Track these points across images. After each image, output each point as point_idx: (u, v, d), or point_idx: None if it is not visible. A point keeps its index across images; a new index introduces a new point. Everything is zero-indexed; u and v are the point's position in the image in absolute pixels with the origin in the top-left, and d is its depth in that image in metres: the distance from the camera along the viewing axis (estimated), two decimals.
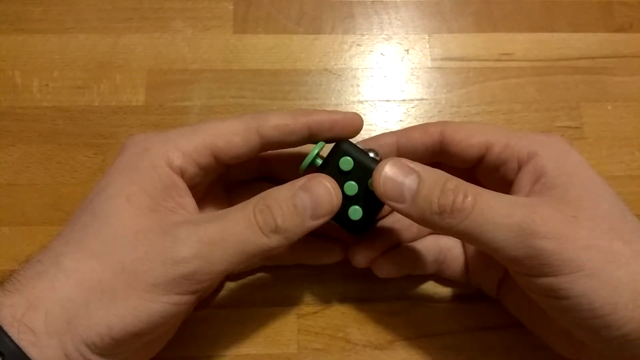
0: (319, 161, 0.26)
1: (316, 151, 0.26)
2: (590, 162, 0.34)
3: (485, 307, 0.31)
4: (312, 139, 0.26)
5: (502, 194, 0.24)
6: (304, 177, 0.24)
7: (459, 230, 0.23)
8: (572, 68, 0.37)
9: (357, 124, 0.26)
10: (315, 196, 0.24)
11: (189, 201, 0.25)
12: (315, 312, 0.31)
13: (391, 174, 0.24)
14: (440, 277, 0.31)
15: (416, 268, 0.30)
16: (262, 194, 0.24)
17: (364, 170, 0.25)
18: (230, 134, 0.25)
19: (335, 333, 0.31)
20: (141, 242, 0.22)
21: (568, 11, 0.38)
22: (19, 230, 0.32)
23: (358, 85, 0.36)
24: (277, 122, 0.25)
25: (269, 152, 0.28)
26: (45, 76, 0.35)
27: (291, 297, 0.31)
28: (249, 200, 0.24)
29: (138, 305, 0.21)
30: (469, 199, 0.23)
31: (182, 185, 0.25)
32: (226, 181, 0.30)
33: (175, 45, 0.36)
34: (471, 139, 0.26)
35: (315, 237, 0.29)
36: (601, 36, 0.37)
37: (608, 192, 0.24)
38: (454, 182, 0.24)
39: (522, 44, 0.37)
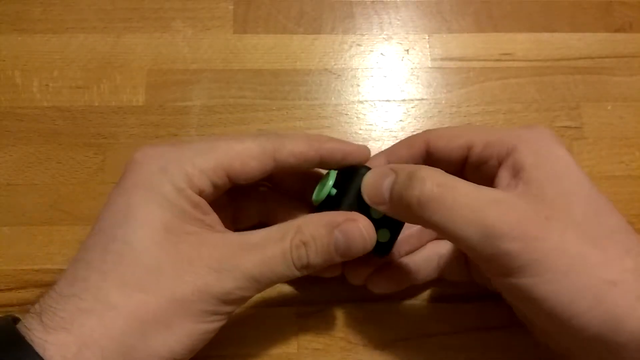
0: (334, 191, 0.27)
1: (331, 182, 0.27)
2: (590, 162, 0.35)
3: (485, 307, 0.31)
4: (321, 165, 0.27)
5: (479, 188, 0.23)
6: (341, 214, 0.25)
7: (433, 224, 0.23)
8: (572, 68, 0.37)
9: (366, 156, 0.27)
10: (351, 240, 0.24)
11: (215, 218, 0.26)
12: (315, 312, 0.31)
13: (371, 179, 0.25)
14: (440, 277, 0.31)
15: (415, 280, 0.30)
16: (299, 225, 0.24)
17: None
18: (247, 157, 0.25)
19: (335, 333, 0.31)
20: (187, 272, 0.23)
21: (568, 11, 0.38)
22: (19, 230, 0.32)
23: (358, 85, 0.36)
24: (293, 149, 0.26)
25: None
26: (45, 76, 0.35)
27: (291, 297, 0.31)
28: (285, 230, 0.24)
29: (192, 328, 0.23)
30: (436, 189, 0.23)
31: (204, 203, 0.25)
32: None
33: (175, 45, 0.36)
34: (452, 142, 0.27)
35: None
36: (601, 36, 0.37)
37: (586, 189, 0.24)
38: (425, 172, 0.23)
39: (522, 44, 0.37)
